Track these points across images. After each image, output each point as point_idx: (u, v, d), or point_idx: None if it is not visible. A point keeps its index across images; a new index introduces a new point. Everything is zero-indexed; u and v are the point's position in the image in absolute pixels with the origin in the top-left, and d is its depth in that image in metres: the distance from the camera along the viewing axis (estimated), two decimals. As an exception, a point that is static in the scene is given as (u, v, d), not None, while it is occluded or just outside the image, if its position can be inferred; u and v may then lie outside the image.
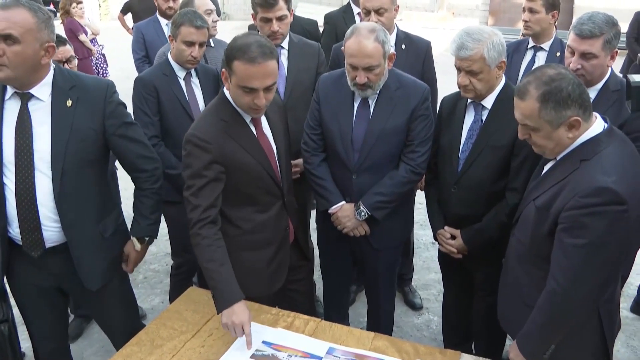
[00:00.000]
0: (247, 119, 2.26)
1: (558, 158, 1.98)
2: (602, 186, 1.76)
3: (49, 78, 2.18)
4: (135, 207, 2.50)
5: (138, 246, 2.50)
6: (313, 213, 3.65)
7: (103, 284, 2.43)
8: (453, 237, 2.62)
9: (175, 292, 3.28)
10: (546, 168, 2.06)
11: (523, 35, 3.60)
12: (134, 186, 2.53)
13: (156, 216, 2.53)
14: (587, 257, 1.80)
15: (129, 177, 2.53)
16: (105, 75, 8.15)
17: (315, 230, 3.30)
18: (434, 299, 3.97)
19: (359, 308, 3.81)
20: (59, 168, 2.17)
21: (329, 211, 2.66)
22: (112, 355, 2.14)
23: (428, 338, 3.56)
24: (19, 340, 2.45)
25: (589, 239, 1.78)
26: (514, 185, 2.42)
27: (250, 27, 4.60)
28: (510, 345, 2.08)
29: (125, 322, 2.59)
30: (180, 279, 3.35)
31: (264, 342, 2.18)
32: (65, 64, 3.02)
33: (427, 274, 4.28)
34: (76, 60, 3.20)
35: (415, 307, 3.84)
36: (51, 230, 2.24)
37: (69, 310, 3.31)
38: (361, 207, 2.58)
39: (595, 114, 1.93)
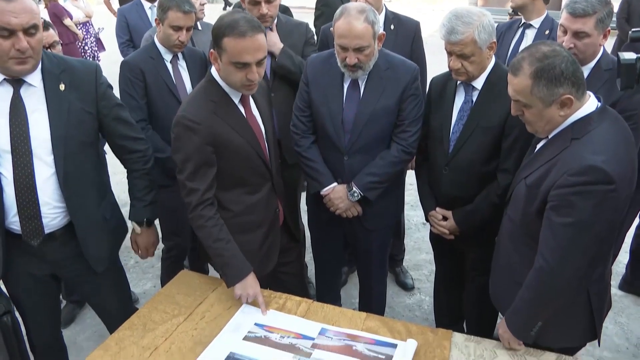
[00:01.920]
0: (236, 100, 2.24)
1: (550, 136, 1.98)
2: (591, 165, 1.75)
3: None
4: (130, 192, 2.50)
5: (138, 229, 2.50)
6: (303, 196, 3.65)
7: (108, 265, 2.44)
8: (445, 218, 2.62)
9: (166, 276, 3.28)
10: (538, 147, 2.07)
11: (511, 9, 3.60)
12: (124, 171, 2.51)
13: (152, 197, 2.53)
14: (574, 236, 1.80)
15: (117, 162, 2.51)
16: (98, 60, 8.06)
17: (306, 212, 3.31)
18: (425, 279, 3.99)
19: (351, 289, 3.83)
20: (61, 152, 2.15)
21: (321, 193, 2.65)
22: (105, 340, 2.13)
23: (420, 318, 3.58)
24: (21, 330, 2.44)
25: (576, 217, 1.78)
26: (505, 166, 2.42)
27: (237, 6, 4.56)
28: (499, 321, 2.10)
29: (120, 306, 2.59)
30: (171, 263, 3.34)
31: (256, 324, 2.18)
32: (49, 49, 2.98)
33: (418, 255, 4.30)
34: (60, 45, 3.15)
35: (406, 287, 3.86)
36: (50, 216, 2.22)
37: (61, 297, 3.31)
38: (354, 188, 2.57)
39: (588, 92, 1.92)
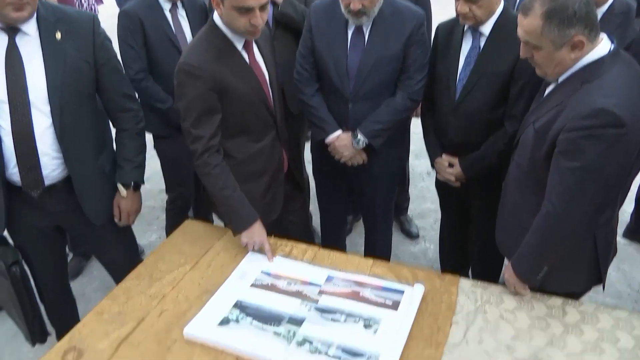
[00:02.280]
0: (239, 46, 2.18)
1: (559, 80, 1.92)
2: (601, 108, 1.70)
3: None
4: (118, 152, 2.43)
5: (123, 192, 2.42)
6: (307, 146, 3.62)
7: (107, 219, 2.42)
8: (451, 165, 2.59)
9: (171, 226, 3.29)
10: (547, 91, 2.02)
11: None
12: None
13: (141, 159, 2.44)
14: (582, 180, 1.77)
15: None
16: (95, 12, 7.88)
17: (309, 162, 3.28)
18: (430, 227, 4.00)
19: (356, 238, 3.84)
20: (57, 103, 2.11)
21: (326, 141, 2.62)
22: (111, 291, 2.15)
23: (425, 266, 3.60)
24: (30, 281, 2.45)
25: (584, 162, 1.75)
26: (512, 112, 2.38)
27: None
28: (505, 266, 2.10)
29: (126, 258, 2.59)
30: (176, 213, 3.35)
31: (263, 271, 2.18)
32: None
33: (423, 203, 4.30)
34: None
35: (411, 235, 3.87)
36: (50, 167, 2.19)
37: (67, 249, 3.32)
38: (359, 136, 2.54)
39: (602, 34, 1.86)
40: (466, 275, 2.99)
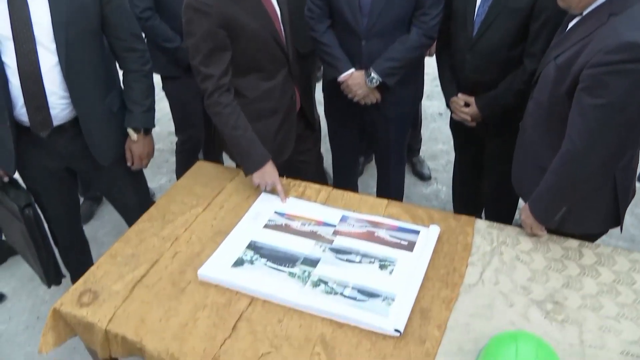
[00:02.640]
0: None
1: (584, 13, 1.83)
2: (630, 41, 1.61)
3: None
4: (126, 95, 2.37)
5: (134, 136, 2.39)
6: (318, 87, 3.54)
7: (115, 159, 2.39)
8: (467, 105, 2.52)
9: (181, 168, 3.26)
10: (571, 24, 1.92)
11: None
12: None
13: (149, 102, 2.39)
14: (605, 118, 1.70)
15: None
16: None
17: (320, 103, 3.22)
18: (442, 169, 3.96)
19: (367, 180, 3.81)
20: (63, 40, 2.04)
21: (338, 79, 2.54)
22: (124, 234, 2.14)
23: (437, 207, 3.58)
24: (43, 223, 2.45)
25: (609, 98, 1.67)
26: (532, 50, 2.28)
27: None
28: (522, 207, 2.06)
29: (137, 200, 2.58)
30: (186, 155, 3.31)
31: (276, 211, 2.16)
32: None
33: (435, 145, 4.24)
34: None
35: (423, 177, 3.84)
36: (58, 107, 2.15)
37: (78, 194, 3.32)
38: (372, 74, 2.46)
39: None
40: (479, 217, 2.97)
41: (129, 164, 2.45)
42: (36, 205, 2.42)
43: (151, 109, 2.40)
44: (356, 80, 2.50)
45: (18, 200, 2.30)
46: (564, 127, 1.82)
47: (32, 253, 2.47)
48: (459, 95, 2.53)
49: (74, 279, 2.78)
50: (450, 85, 2.59)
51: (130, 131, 2.38)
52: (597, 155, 1.76)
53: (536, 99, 2.01)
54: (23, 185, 2.42)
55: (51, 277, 2.60)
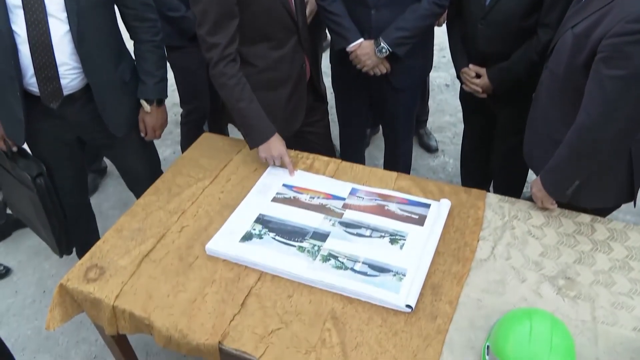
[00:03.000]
0: None
1: None
2: None
3: None
4: (139, 66, 2.34)
5: (147, 108, 2.36)
6: (325, 57, 3.48)
7: (128, 130, 2.38)
8: (478, 76, 2.46)
9: (186, 140, 3.22)
10: (589, -8, 1.86)
11: None
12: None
13: (162, 73, 2.36)
14: (623, 89, 1.64)
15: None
16: None
17: (325, 74, 3.15)
18: (449, 141, 3.91)
19: (374, 151, 3.77)
20: (74, 8, 1.99)
21: (347, 49, 2.47)
22: (128, 207, 2.11)
23: (444, 180, 3.54)
24: (54, 193, 2.43)
25: (629, 70, 1.61)
26: (546, 20, 2.20)
27: None
28: (533, 180, 2.02)
29: (149, 172, 2.55)
30: (191, 127, 3.25)
31: (284, 184, 2.13)
32: None
33: (442, 117, 4.18)
34: None
35: (430, 149, 3.79)
36: (69, 77, 2.11)
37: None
38: (382, 44, 2.39)
39: None
40: (487, 190, 2.94)
41: (142, 134, 2.44)
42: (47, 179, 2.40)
43: (164, 80, 2.37)
44: (365, 51, 2.43)
45: (29, 169, 2.29)
46: (579, 99, 1.77)
47: (44, 223, 2.46)
48: (470, 66, 2.47)
49: (81, 253, 2.79)
50: (461, 56, 2.52)
51: (143, 102, 2.35)
52: (613, 128, 1.71)
53: (551, 70, 1.95)
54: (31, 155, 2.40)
55: (63, 247, 2.59)
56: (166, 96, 2.42)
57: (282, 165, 2.18)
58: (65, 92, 2.13)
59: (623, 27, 1.59)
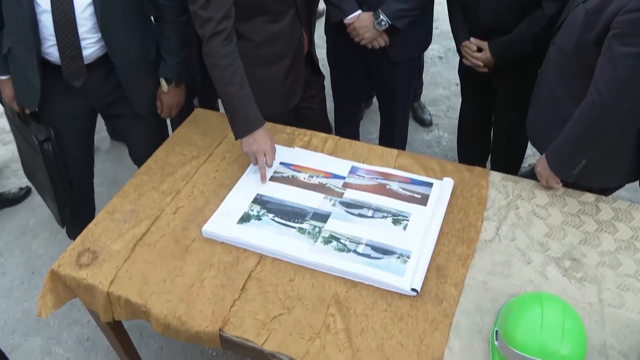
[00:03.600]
0: None
1: None
2: None
3: None
4: (162, 45, 2.27)
5: (165, 87, 2.32)
6: (318, 27, 3.37)
7: (152, 107, 2.35)
8: (479, 50, 2.39)
9: (177, 116, 3.11)
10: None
11: None
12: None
13: (185, 54, 2.31)
14: (637, 68, 1.58)
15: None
16: None
17: (318, 46, 3.06)
18: (443, 115, 3.85)
19: (367, 125, 3.71)
20: None
21: (345, 21, 2.38)
22: (117, 184, 2.05)
23: (439, 155, 3.50)
24: (62, 160, 2.39)
25: None
26: None
27: None
28: (538, 159, 1.97)
29: (154, 149, 2.47)
30: (181, 102, 3.16)
31: (282, 163, 2.06)
32: None
33: (436, 90, 4.11)
34: None
35: (425, 123, 3.73)
36: (89, 49, 2.07)
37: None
38: (381, 16, 2.31)
39: None
40: (484, 166, 2.90)
41: (159, 111, 2.41)
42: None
43: (185, 61, 2.33)
44: (364, 23, 2.34)
45: (38, 133, 2.25)
46: (589, 77, 1.71)
47: (50, 191, 2.42)
48: (472, 39, 2.39)
49: (76, 230, 2.74)
50: (461, 29, 2.44)
51: (162, 81, 2.32)
52: (623, 107, 1.66)
53: (559, 46, 1.88)
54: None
55: (66, 216, 2.55)
56: (186, 77, 2.39)
57: (261, 164, 1.99)
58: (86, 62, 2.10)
59: (638, 2, 1.53)
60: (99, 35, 2.05)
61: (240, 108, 1.95)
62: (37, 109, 2.25)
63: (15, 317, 2.66)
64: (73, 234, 2.72)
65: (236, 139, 2.01)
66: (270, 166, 1.99)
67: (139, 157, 2.58)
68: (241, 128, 1.97)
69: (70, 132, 2.35)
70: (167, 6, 2.16)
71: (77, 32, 1.97)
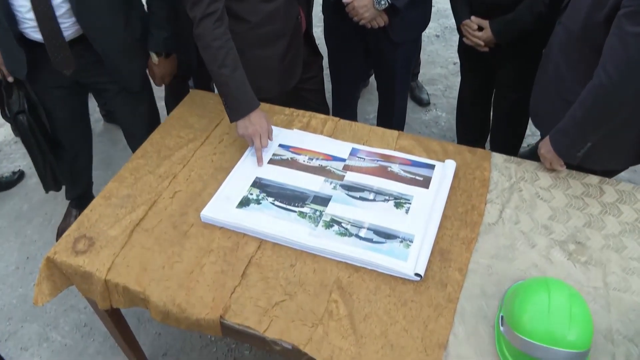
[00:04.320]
0: None
1: None
2: None
3: None
4: (150, 19, 2.29)
5: (155, 59, 2.36)
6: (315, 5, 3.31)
7: (143, 82, 2.38)
8: (480, 29, 2.34)
9: (171, 97, 3.06)
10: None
11: None
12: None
13: (170, 28, 2.32)
14: None
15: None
16: None
17: (315, 25, 3.00)
18: (441, 94, 3.80)
19: (364, 105, 3.66)
20: None
21: (344, 1, 2.33)
22: (112, 167, 2.00)
23: (437, 135, 3.46)
24: (47, 130, 2.42)
25: None
26: None
27: None
28: (541, 141, 1.93)
29: (147, 130, 2.42)
30: (176, 83, 3.08)
31: (280, 145, 2.02)
32: None
33: (433, 69, 4.06)
34: None
35: (422, 103, 3.69)
36: (69, 33, 2.06)
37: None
38: (381, -5, 2.26)
39: None
40: (483, 147, 2.87)
41: (151, 79, 2.46)
42: (41, 112, 2.38)
43: (175, 34, 2.34)
44: (363, 2, 2.28)
45: (13, 105, 2.28)
46: (596, 57, 1.66)
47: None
48: (472, 18, 2.34)
49: (74, 200, 2.84)
50: (462, 7, 2.39)
51: (152, 54, 2.34)
52: (632, 88, 1.60)
53: (565, 26, 1.83)
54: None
55: (48, 182, 2.58)
56: (175, 50, 2.43)
57: (257, 146, 1.96)
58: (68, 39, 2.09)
59: None
60: (74, 19, 2.04)
61: (235, 90, 1.92)
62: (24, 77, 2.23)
63: (11, 304, 2.63)
64: (70, 193, 2.84)
65: (231, 121, 1.98)
66: (266, 146, 1.96)
67: (132, 134, 2.60)
68: (236, 111, 1.94)
69: (56, 101, 2.36)
70: None
71: (55, 20, 1.97)
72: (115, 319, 1.95)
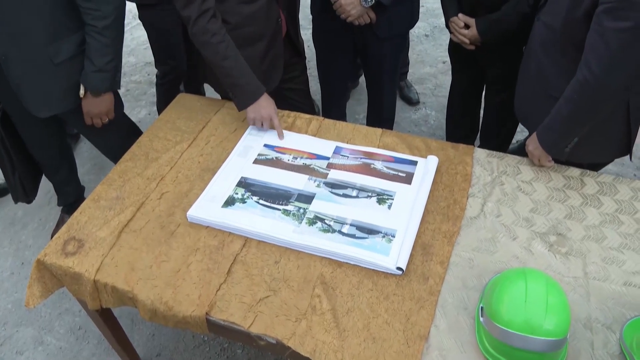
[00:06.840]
0: None
1: None
2: None
3: None
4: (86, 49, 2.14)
5: (81, 92, 2.18)
6: (304, 8, 3.34)
7: (53, 112, 2.24)
8: (467, 27, 2.37)
9: (163, 102, 3.10)
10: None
11: None
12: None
13: (103, 63, 2.11)
14: (629, 43, 1.55)
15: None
16: None
17: (303, 27, 3.03)
18: (430, 93, 3.83)
19: (353, 105, 3.69)
20: None
21: (331, -1, 2.36)
22: (105, 172, 2.03)
23: (427, 133, 3.49)
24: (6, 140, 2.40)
25: (635, 21, 1.51)
26: None
27: None
28: (528, 138, 1.96)
29: (121, 141, 2.42)
30: (167, 88, 3.12)
31: (265, 145, 2.06)
32: None
33: (422, 68, 4.09)
34: None
35: (411, 102, 3.72)
36: None
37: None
38: (366, -6, 2.28)
39: None
40: (472, 144, 2.89)
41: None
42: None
43: (104, 70, 2.13)
44: (350, 0, 2.32)
45: None
46: (578, 53, 1.68)
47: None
48: (459, 15, 2.37)
49: (64, 205, 2.86)
50: (450, 5, 2.41)
51: (81, 86, 2.19)
52: (616, 83, 1.63)
53: (545, 23, 1.85)
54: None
55: (18, 195, 2.59)
56: (105, 89, 2.20)
57: (272, 127, 2.10)
58: None
59: None
60: None
61: (241, 78, 2.01)
62: None
63: (5, 308, 2.66)
64: (61, 200, 2.88)
65: (240, 109, 2.07)
66: (279, 126, 2.08)
67: (105, 148, 2.61)
68: (244, 98, 2.04)
69: (18, 112, 2.32)
70: (86, 8, 2.02)
71: None
72: (107, 321, 1.98)
